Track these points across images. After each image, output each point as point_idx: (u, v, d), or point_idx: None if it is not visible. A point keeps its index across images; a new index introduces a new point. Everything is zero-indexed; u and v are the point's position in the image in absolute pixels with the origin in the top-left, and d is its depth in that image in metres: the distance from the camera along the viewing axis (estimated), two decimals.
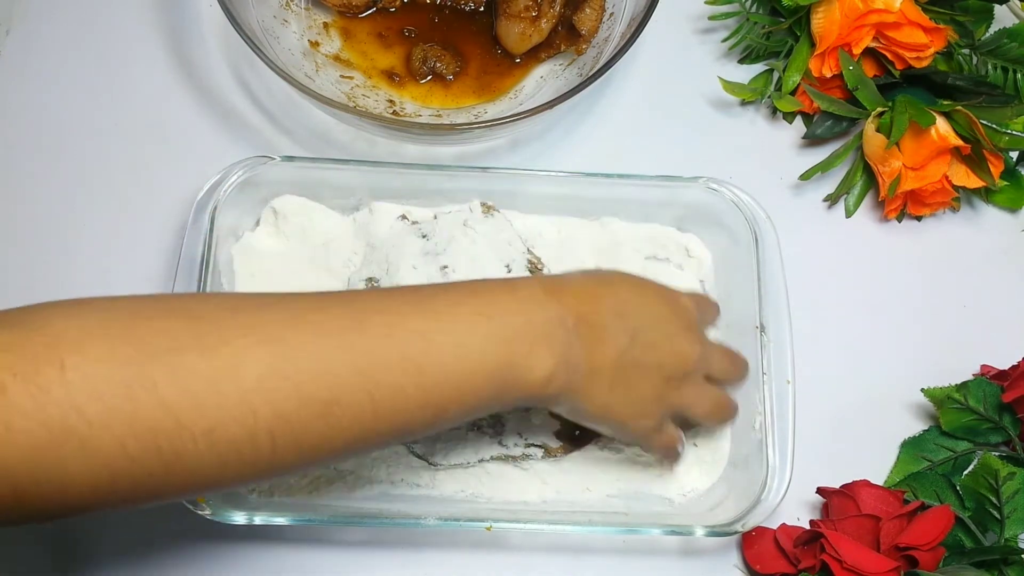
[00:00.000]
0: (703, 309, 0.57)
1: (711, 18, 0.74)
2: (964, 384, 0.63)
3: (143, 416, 0.37)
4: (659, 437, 0.54)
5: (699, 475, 0.61)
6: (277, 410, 0.39)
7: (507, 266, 0.62)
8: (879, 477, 0.63)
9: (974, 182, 0.68)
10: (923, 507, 0.58)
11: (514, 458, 0.60)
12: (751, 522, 0.56)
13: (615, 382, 0.49)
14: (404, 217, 0.64)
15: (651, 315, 0.51)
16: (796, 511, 0.62)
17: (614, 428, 0.53)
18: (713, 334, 0.64)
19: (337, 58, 0.72)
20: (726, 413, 0.57)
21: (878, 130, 0.68)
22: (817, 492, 0.61)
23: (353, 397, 0.41)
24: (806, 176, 0.70)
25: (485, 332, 0.45)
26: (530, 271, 0.63)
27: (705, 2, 0.74)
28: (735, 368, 0.57)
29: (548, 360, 0.46)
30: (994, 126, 0.69)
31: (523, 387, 0.46)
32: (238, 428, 0.38)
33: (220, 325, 0.40)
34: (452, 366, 0.44)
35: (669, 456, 0.58)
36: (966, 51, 0.72)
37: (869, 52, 0.70)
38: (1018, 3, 0.74)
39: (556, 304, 0.47)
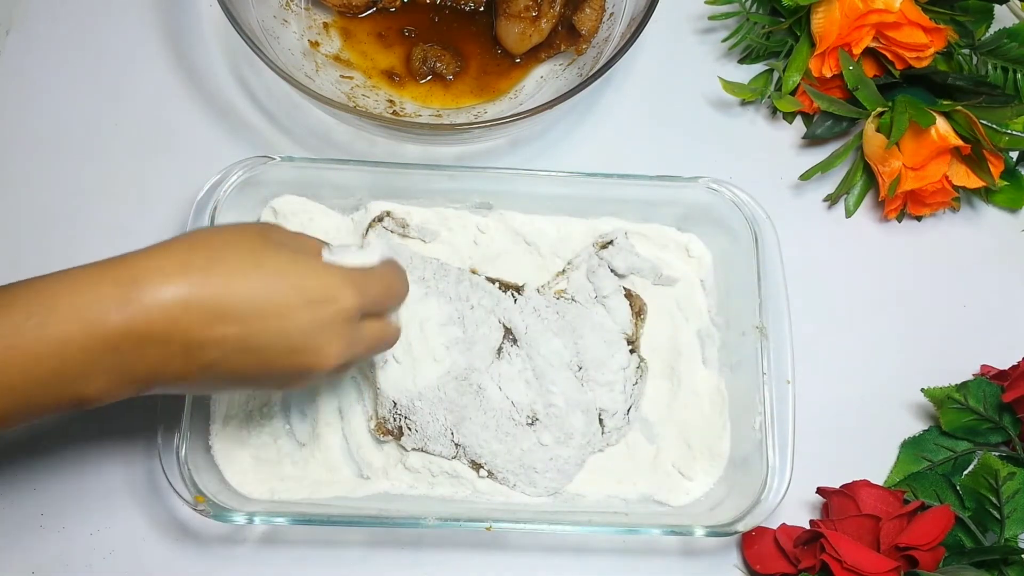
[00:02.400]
0: (377, 294, 0.48)
1: (711, 18, 0.75)
2: (964, 384, 0.63)
3: None
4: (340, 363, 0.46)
5: (699, 475, 0.61)
6: None
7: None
8: (879, 477, 0.63)
9: (974, 182, 0.68)
10: (923, 507, 0.58)
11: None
12: (751, 522, 0.56)
13: (211, 386, 0.45)
14: (388, 214, 0.64)
15: (266, 324, 0.43)
16: (796, 511, 0.62)
17: (289, 381, 0.46)
18: (715, 334, 0.65)
19: (337, 58, 0.72)
20: (390, 341, 0.51)
21: (878, 130, 0.68)
22: (817, 492, 0.61)
23: None
24: (806, 176, 0.70)
25: (34, 330, 0.40)
26: None
27: (705, 2, 0.75)
28: (382, 348, 0.51)
29: (99, 384, 0.42)
30: (994, 126, 0.69)
31: (77, 405, 0.43)
32: None
33: None
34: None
35: (377, 350, 0.50)
36: (966, 51, 0.72)
37: (869, 52, 0.70)
38: (1018, 3, 0.74)
39: (114, 317, 0.41)
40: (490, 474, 0.59)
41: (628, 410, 0.61)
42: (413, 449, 0.59)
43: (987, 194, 0.72)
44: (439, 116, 0.71)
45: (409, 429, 0.59)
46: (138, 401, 0.61)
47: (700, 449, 0.62)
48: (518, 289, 0.64)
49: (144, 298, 0.42)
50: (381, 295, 0.48)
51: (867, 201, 0.72)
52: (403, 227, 0.64)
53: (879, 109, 0.69)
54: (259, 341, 0.43)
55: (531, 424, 0.59)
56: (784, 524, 0.60)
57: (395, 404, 0.59)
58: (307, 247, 0.47)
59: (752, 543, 0.60)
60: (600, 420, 0.61)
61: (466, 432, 0.58)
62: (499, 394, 0.59)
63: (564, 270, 0.65)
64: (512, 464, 0.59)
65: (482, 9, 0.74)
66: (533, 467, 0.59)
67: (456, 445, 0.59)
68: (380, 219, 0.64)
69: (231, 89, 0.73)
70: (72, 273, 0.43)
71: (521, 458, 0.59)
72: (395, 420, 0.59)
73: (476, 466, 0.59)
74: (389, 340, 0.51)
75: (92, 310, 0.41)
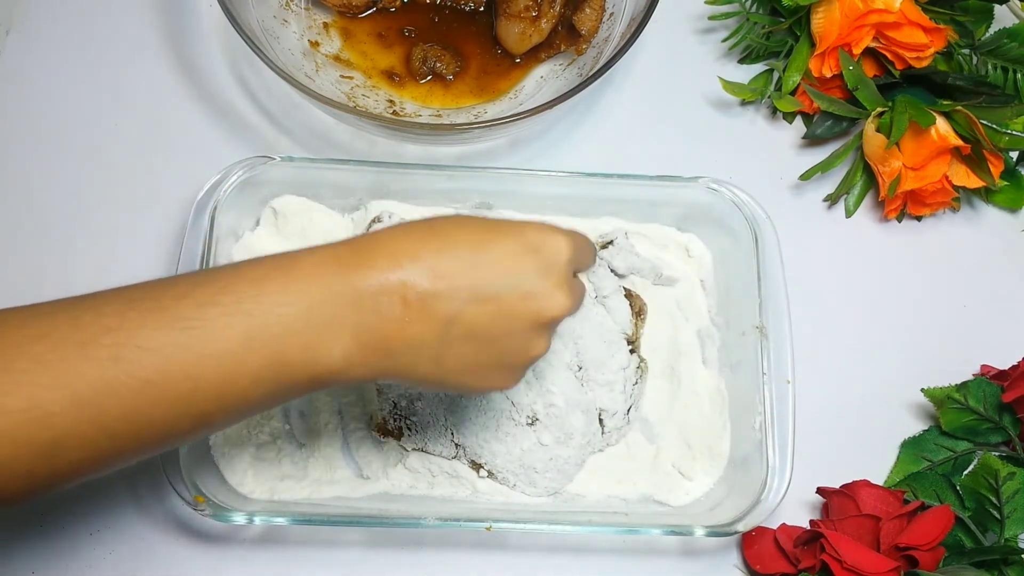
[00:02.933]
0: (580, 249, 0.48)
1: (711, 18, 0.75)
2: (964, 384, 0.63)
3: None
4: (514, 380, 0.48)
5: (699, 475, 0.61)
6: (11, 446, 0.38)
7: None
8: (879, 477, 0.63)
9: (974, 182, 0.68)
10: (923, 507, 0.58)
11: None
12: (751, 522, 0.56)
13: (443, 355, 0.44)
14: (390, 215, 0.64)
15: (498, 272, 0.44)
16: (796, 511, 0.62)
17: (461, 392, 0.48)
18: (715, 334, 0.65)
19: (337, 58, 0.72)
20: (582, 301, 0.50)
21: (878, 130, 0.68)
22: (817, 492, 0.61)
23: (79, 429, 0.39)
24: (806, 176, 0.70)
25: (243, 333, 0.41)
26: None
27: (705, 2, 0.75)
28: (587, 249, 0.50)
29: (337, 348, 0.42)
30: (994, 126, 0.69)
31: (314, 378, 0.42)
32: None
33: None
34: (202, 376, 0.40)
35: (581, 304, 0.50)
36: (966, 51, 0.72)
37: (869, 52, 0.70)
38: (1018, 3, 0.74)
39: (350, 278, 0.42)
40: (490, 474, 0.59)
41: (628, 410, 0.61)
42: (413, 449, 0.59)
43: (987, 194, 0.72)
44: (439, 116, 0.71)
45: (409, 429, 0.59)
46: None
47: (700, 449, 0.62)
48: None
49: (378, 262, 0.43)
50: (583, 251, 0.49)
51: (867, 201, 0.72)
52: None
53: (879, 109, 0.69)
54: (492, 288, 0.44)
55: (531, 424, 0.59)
56: (784, 524, 0.60)
57: (395, 405, 0.59)
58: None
59: (752, 543, 0.60)
60: (600, 420, 0.61)
61: (466, 432, 0.58)
62: (499, 394, 0.59)
63: None
64: (512, 464, 0.59)
65: (482, 9, 0.74)
66: (533, 467, 0.59)
67: (456, 445, 0.59)
68: (379, 219, 0.64)
69: (231, 89, 0.73)
70: (297, 253, 0.44)
71: (521, 458, 0.59)
72: (395, 421, 0.59)
73: (476, 466, 0.59)
74: (583, 298, 0.50)
75: (330, 276, 0.42)
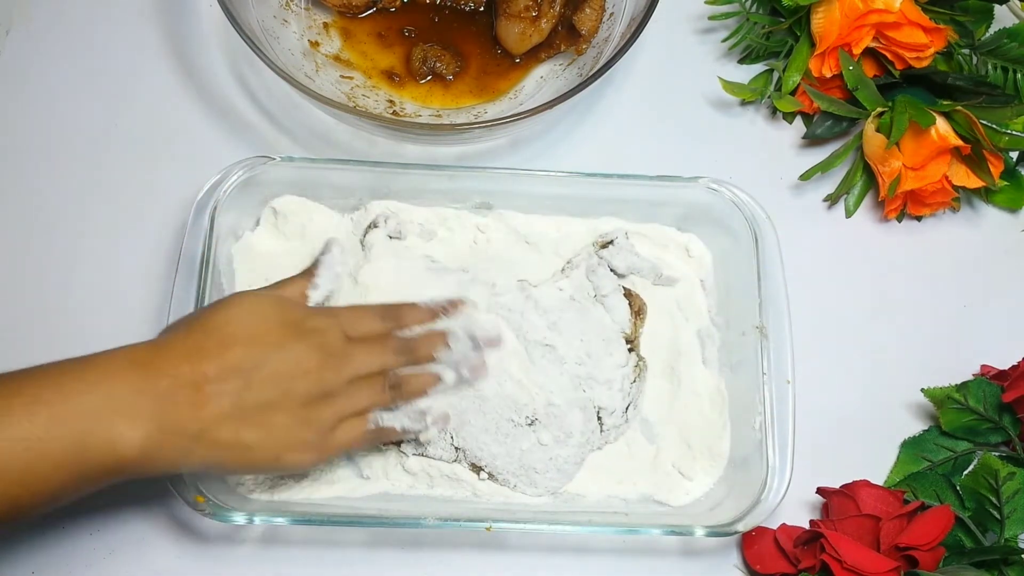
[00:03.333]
0: (354, 316, 0.54)
1: (711, 18, 0.75)
2: (964, 384, 0.63)
3: None
4: (334, 446, 0.53)
5: (699, 475, 0.61)
6: None
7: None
8: (879, 477, 0.63)
9: (974, 182, 0.68)
10: (923, 507, 0.58)
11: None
12: (751, 522, 0.56)
13: (241, 429, 0.49)
14: (385, 220, 0.64)
15: (266, 351, 0.50)
16: (796, 511, 0.62)
17: (273, 471, 0.53)
18: (715, 334, 0.65)
19: (337, 58, 0.72)
20: (393, 396, 0.55)
21: (878, 130, 0.68)
22: (817, 492, 0.61)
23: None
24: (806, 176, 0.70)
25: (46, 419, 0.44)
26: None
27: (705, 2, 0.75)
28: (388, 358, 0.54)
29: (135, 435, 0.46)
30: (994, 126, 0.69)
31: (113, 466, 0.46)
32: None
33: None
34: (7, 461, 0.43)
35: (379, 440, 0.57)
36: (966, 51, 0.72)
37: (869, 52, 0.70)
38: (1018, 3, 0.74)
39: (142, 373, 0.47)
40: (491, 476, 0.59)
41: (627, 408, 0.61)
42: (414, 454, 0.59)
43: (987, 194, 0.72)
44: (439, 116, 0.71)
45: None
46: None
47: (700, 449, 0.62)
48: (520, 288, 0.64)
49: (172, 359, 0.48)
50: (353, 325, 0.54)
51: (867, 201, 0.72)
52: (399, 232, 0.64)
53: (879, 109, 0.69)
54: (266, 359, 0.50)
55: (530, 424, 0.59)
56: (784, 524, 0.60)
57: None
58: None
59: (752, 543, 0.60)
60: (599, 418, 0.61)
61: (466, 435, 0.58)
62: (498, 395, 0.59)
63: (563, 269, 0.65)
64: (512, 465, 0.59)
65: (482, 9, 0.74)
66: (533, 467, 0.59)
67: (456, 449, 0.59)
68: (375, 224, 0.64)
69: (231, 89, 0.73)
70: (95, 355, 0.48)
71: (521, 459, 0.59)
72: None
73: (476, 468, 0.59)
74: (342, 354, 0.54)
75: (125, 371, 0.47)
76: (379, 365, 0.54)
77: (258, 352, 0.49)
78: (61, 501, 0.47)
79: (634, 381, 0.62)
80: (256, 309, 0.51)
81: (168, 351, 0.49)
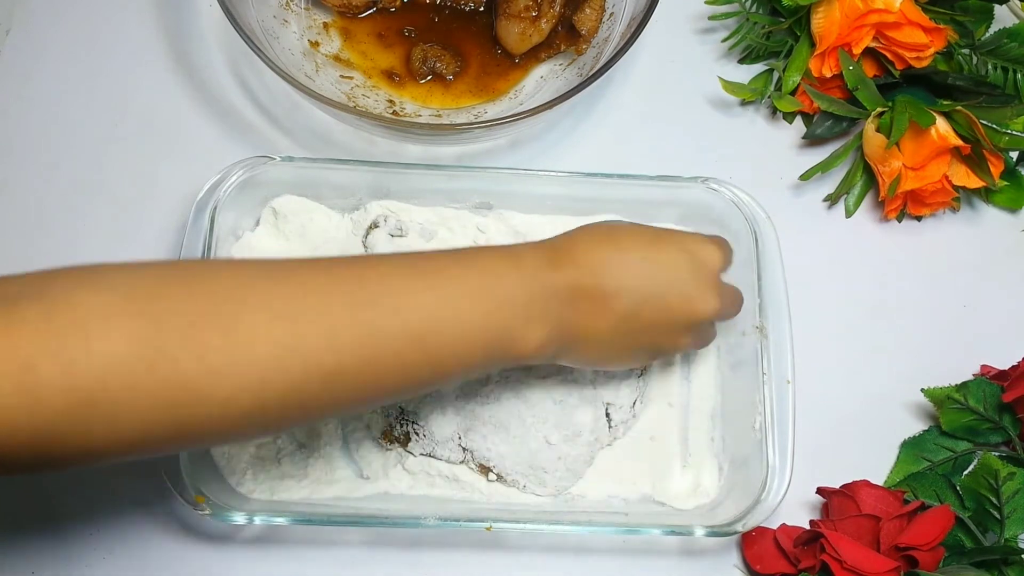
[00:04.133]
0: (724, 253, 0.56)
1: (711, 18, 0.74)
2: (964, 384, 0.63)
3: (165, 391, 0.39)
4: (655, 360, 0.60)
5: (699, 475, 0.61)
6: (287, 381, 0.42)
7: None
8: (879, 477, 0.63)
9: (974, 182, 0.68)
10: (923, 507, 0.58)
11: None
12: (751, 522, 0.56)
13: (612, 344, 0.52)
14: (385, 219, 0.64)
15: (665, 277, 0.52)
16: (796, 511, 0.62)
17: (612, 368, 0.57)
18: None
19: (337, 58, 0.72)
20: (709, 343, 0.59)
21: (878, 130, 0.68)
22: (817, 492, 0.61)
23: (358, 367, 0.44)
24: (806, 176, 0.70)
25: (485, 306, 0.47)
26: None
27: (705, 2, 0.74)
28: (735, 310, 0.58)
29: (540, 332, 0.48)
30: (994, 126, 0.68)
31: (514, 355, 0.49)
32: (251, 398, 0.41)
33: (236, 301, 0.41)
34: (452, 336, 0.46)
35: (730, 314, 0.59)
36: (966, 51, 0.72)
37: (869, 52, 0.70)
38: (1018, 3, 0.74)
39: (557, 275, 0.49)
40: (499, 477, 0.59)
41: (634, 403, 0.61)
42: (421, 455, 0.59)
43: (987, 194, 0.72)
44: (439, 116, 0.71)
45: (416, 435, 0.59)
46: None
47: (700, 449, 0.62)
48: None
49: (577, 263, 0.50)
50: (728, 256, 0.57)
51: (867, 201, 0.72)
52: (400, 230, 0.64)
53: (879, 109, 0.69)
54: (660, 289, 0.52)
55: (541, 423, 0.59)
56: (784, 524, 0.60)
57: (402, 411, 0.59)
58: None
59: (752, 543, 0.60)
60: (607, 414, 0.61)
61: (474, 436, 0.58)
62: (507, 394, 0.59)
63: None
64: (521, 466, 0.59)
65: (482, 9, 0.74)
66: (543, 467, 0.59)
67: (464, 449, 0.59)
68: (376, 225, 0.64)
69: (231, 89, 0.73)
70: (517, 248, 0.51)
71: (530, 460, 0.58)
72: (402, 427, 0.59)
73: (485, 470, 0.59)
74: (736, 301, 0.58)
75: (544, 271, 0.49)
76: (729, 312, 0.57)
77: (660, 279, 0.52)
78: (468, 377, 0.53)
79: (640, 374, 0.62)
80: (659, 238, 0.54)
81: (577, 255, 0.51)
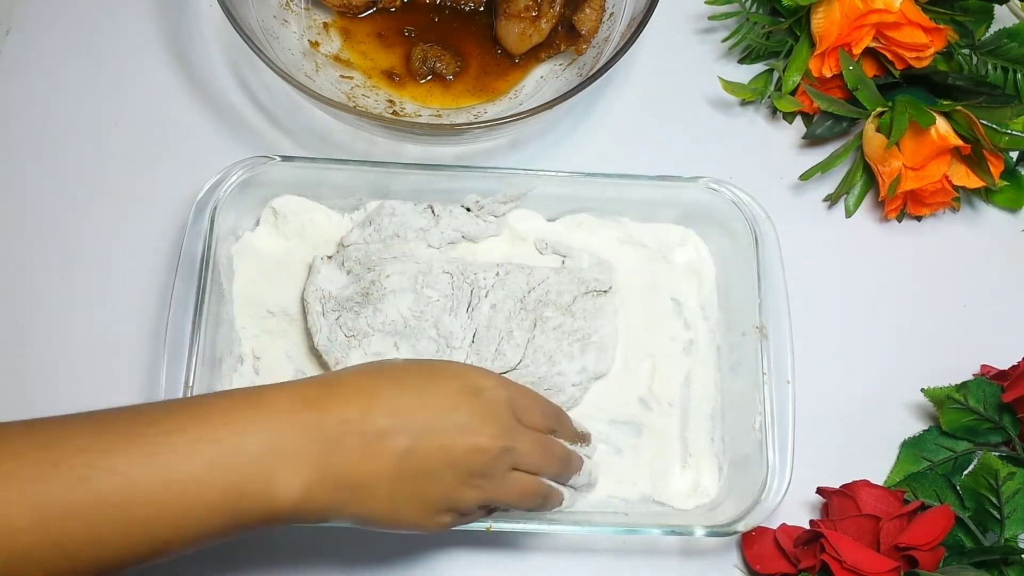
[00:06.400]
0: (519, 397, 0.51)
1: (711, 18, 0.74)
2: (964, 384, 0.63)
3: None
4: (464, 519, 0.50)
5: (699, 475, 0.61)
6: None
7: None
8: (879, 477, 0.63)
9: (974, 182, 0.68)
10: (923, 507, 0.58)
11: None
12: (751, 522, 0.56)
13: (396, 491, 0.46)
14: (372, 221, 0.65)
15: (439, 412, 0.47)
16: (796, 511, 0.62)
17: (408, 530, 0.49)
18: (715, 335, 0.65)
19: (337, 58, 0.72)
20: (534, 502, 0.51)
21: (878, 130, 0.68)
22: (817, 492, 0.61)
23: (41, 553, 0.40)
24: (806, 176, 0.70)
25: (207, 460, 0.42)
26: None
27: (705, 2, 0.74)
28: (548, 462, 0.51)
29: (295, 482, 0.43)
30: (994, 126, 0.69)
31: (267, 514, 0.43)
32: None
33: None
34: (163, 501, 0.41)
35: (521, 500, 0.51)
36: (966, 51, 0.72)
37: (869, 52, 0.70)
38: (1018, 3, 0.74)
39: (314, 415, 0.44)
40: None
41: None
42: None
43: (987, 194, 0.72)
44: (439, 116, 0.71)
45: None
46: (141, 400, 0.61)
47: (700, 449, 0.62)
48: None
49: (341, 399, 0.46)
50: (525, 401, 0.51)
51: (867, 201, 0.72)
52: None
53: (879, 109, 0.69)
54: (438, 423, 0.47)
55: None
56: (784, 524, 0.60)
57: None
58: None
59: (752, 543, 0.60)
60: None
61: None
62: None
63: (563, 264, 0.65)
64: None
65: (482, 9, 0.74)
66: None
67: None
68: (372, 221, 0.64)
69: (231, 89, 0.73)
70: (265, 388, 0.46)
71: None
72: None
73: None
74: (557, 462, 0.52)
75: (296, 411, 0.44)
76: (537, 467, 0.50)
77: (432, 412, 0.47)
78: (204, 545, 0.44)
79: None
80: (435, 371, 0.49)
81: (340, 391, 0.46)
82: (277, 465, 0.43)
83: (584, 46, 0.72)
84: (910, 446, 0.64)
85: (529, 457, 0.50)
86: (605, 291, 0.64)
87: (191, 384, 0.56)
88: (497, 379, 0.50)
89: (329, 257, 0.63)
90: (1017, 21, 0.73)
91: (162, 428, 0.42)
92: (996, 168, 0.68)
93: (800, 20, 0.71)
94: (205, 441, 0.42)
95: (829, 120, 0.72)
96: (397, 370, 0.49)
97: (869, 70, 0.71)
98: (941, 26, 0.68)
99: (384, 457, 0.45)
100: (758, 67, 0.76)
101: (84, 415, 0.43)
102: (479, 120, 0.70)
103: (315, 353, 0.61)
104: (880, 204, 0.71)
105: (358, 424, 0.45)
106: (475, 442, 0.47)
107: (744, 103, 0.75)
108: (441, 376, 0.49)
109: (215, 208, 0.61)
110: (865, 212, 0.72)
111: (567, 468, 0.53)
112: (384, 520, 0.47)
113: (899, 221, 0.72)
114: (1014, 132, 0.68)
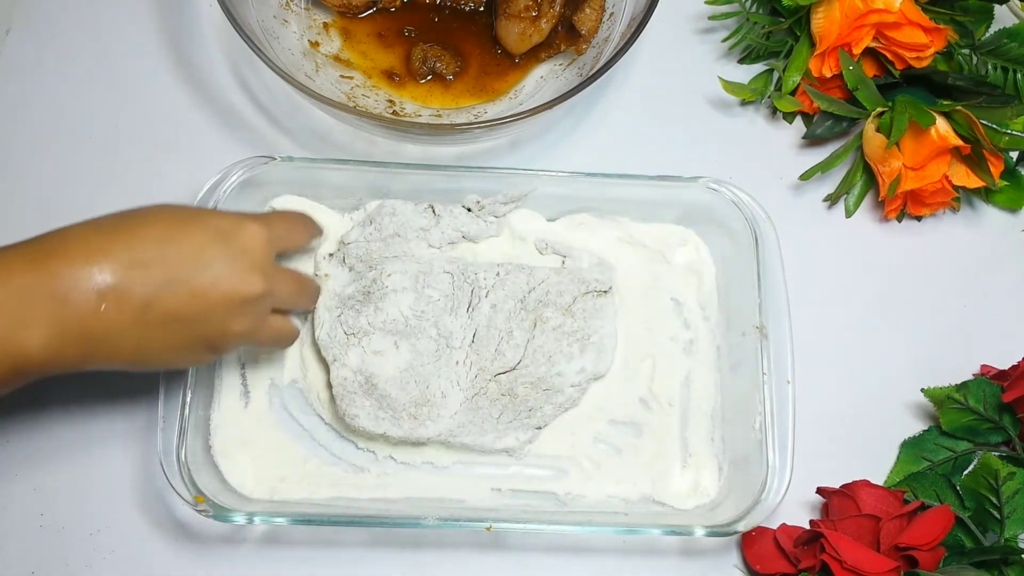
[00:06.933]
0: (283, 232, 0.53)
1: (711, 18, 0.74)
2: (964, 384, 0.63)
3: None
4: (216, 355, 0.53)
5: (699, 475, 0.61)
6: None
7: None
8: (879, 477, 0.63)
9: (974, 182, 0.68)
10: (923, 507, 0.58)
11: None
12: (751, 522, 0.56)
13: (146, 339, 0.48)
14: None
15: (191, 257, 0.48)
16: (796, 511, 0.62)
17: (167, 369, 0.53)
18: (715, 334, 0.65)
19: (337, 58, 0.72)
20: (287, 343, 0.57)
21: (878, 130, 0.68)
22: (817, 492, 0.61)
23: None
24: (806, 176, 0.70)
25: None
26: None
27: (705, 2, 0.74)
28: (303, 296, 0.55)
29: (34, 339, 0.45)
30: (994, 126, 0.69)
31: (17, 369, 0.45)
32: None
33: None
34: None
35: (275, 344, 0.57)
36: (966, 51, 0.72)
37: (869, 52, 0.70)
38: (1018, 3, 0.74)
39: (40, 275, 0.45)
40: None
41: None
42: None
43: (987, 194, 0.72)
44: (439, 116, 0.71)
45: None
46: (140, 400, 0.62)
47: (700, 449, 0.62)
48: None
49: (69, 257, 0.46)
50: (286, 233, 0.54)
51: (867, 201, 0.72)
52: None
53: (879, 109, 0.69)
54: (182, 274, 0.48)
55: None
56: (784, 524, 0.60)
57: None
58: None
59: (752, 543, 0.60)
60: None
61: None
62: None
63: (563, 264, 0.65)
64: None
65: (482, 9, 0.74)
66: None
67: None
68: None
69: (231, 89, 0.73)
70: None
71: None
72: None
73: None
74: (298, 283, 0.55)
75: (19, 274, 0.45)
76: (294, 305, 0.54)
77: (184, 260, 0.48)
78: None
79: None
80: (185, 217, 0.50)
81: (70, 247, 0.47)
82: (8, 326, 0.44)
83: (584, 46, 0.72)
84: (910, 446, 0.64)
85: (288, 299, 0.53)
86: (605, 291, 0.63)
87: (190, 382, 0.56)
88: (250, 221, 0.51)
89: (331, 255, 0.63)
90: (1017, 21, 0.73)
91: None
92: (996, 168, 0.68)
93: (800, 20, 0.71)
94: None
95: (829, 120, 0.72)
96: (136, 221, 0.49)
97: (869, 70, 0.71)
98: (941, 26, 0.68)
99: (121, 310, 0.46)
100: (758, 67, 0.76)
101: None
102: (479, 120, 0.70)
103: (316, 346, 0.61)
104: (880, 204, 0.71)
105: (87, 282, 0.46)
106: (232, 289, 0.49)
107: (744, 103, 0.75)
108: (187, 224, 0.49)
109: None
110: (865, 212, 0.72)
111: (315, 301, 0.57)
112: (138, 363, 0.49)
113: (899, 221, 0.72)
114: (1014, 132, 0.68)
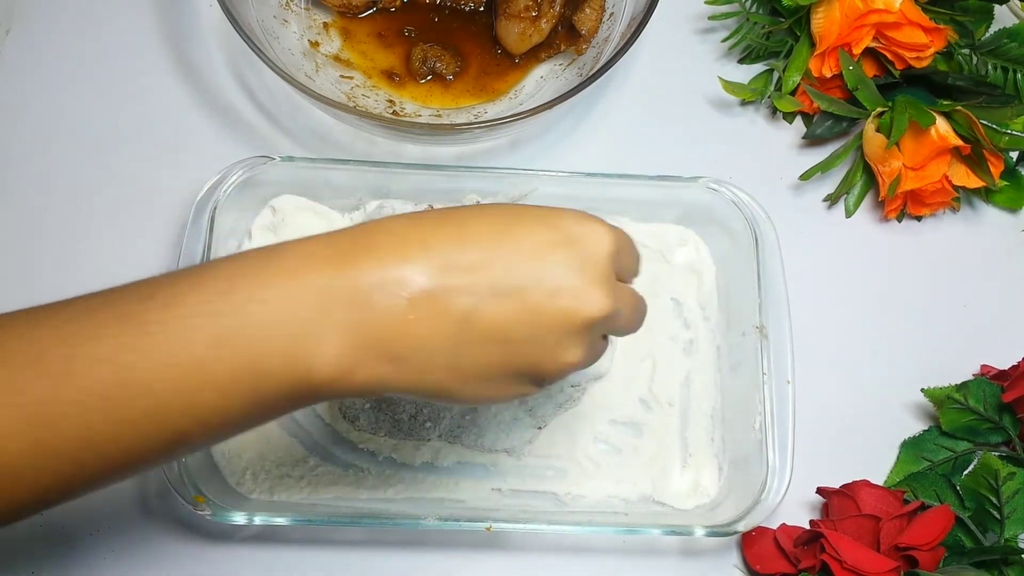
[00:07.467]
0: (627, 243, 0.42)
1: (711, 18, 0.74)
2: (964, 384, 0.63)
3: None
4: (537, 390, 0.41)
5: (699, 475, 0.61)
6: None
7: None
8: (879, 477, 0.63)
9: (974, 182, 0.68)
10: (923, 507, 0.58)
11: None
12: (751, 522, 0.56)
13: (457, 360, 0.37)
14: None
15: (527, 261, 0.38)
16: (796, 511, 0.62)
17: (478, 404, 0.42)
18: (715, 335, 0.65)
19: (337, 58, 0.72)
20: (594, 365, 0.43)
21: (878, 130, 0.68)
22: (817, 492, 0.61)
23: (35, 460, 0.35)
24: (806, 176, 0.70)
25: (210, 336, 0.35)
26: None
27: (705, 2, 0.74)
28: (638, 322, 0.43)
29: (327, 351, 0.36)
30: (994, 126, 0.69)
31: (300, 389, 0.37)
32: None
33: None
34: (162, 391, 0.35)
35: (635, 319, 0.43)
36: (966, 51, 0.72)
37: (869, 52, 0.70)
38: (1018, 3, 0.74)
39: (344, 271, 0.36)
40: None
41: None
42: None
43: (987, 194, 0.72)
44: (439, 116, 0.71)
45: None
46: None
47: (700, 449, 0.62)
48: None
49: (380, 252, 0.37)
50: (627, 250, 0.42)
51: (867, 201, 0.72)
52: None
53: (879, 109, 0.69)
54: (515, 282, 0.37)
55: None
56: (784, 524, 0.60)
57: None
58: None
59: (752, 543, 0.60)
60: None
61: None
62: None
63: None
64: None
65: (482, 9, 0.74)
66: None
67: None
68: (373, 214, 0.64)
69: (231, 89, 0.73)
70: (285, 244, 0.38)
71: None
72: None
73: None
74: (636, 309, 0.43)
75: (318, 269, 0.36)
76: (626, 331, 0.42)
77: (507, 267, 0.37)
78: (240, 430, 0.38)
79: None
80: (518, 214, 0.39)
81: (376, 243, 0.37)
82: (298, 335, 0.36)
83: (584, 46, 0.72)
84: (910, 446, 0.64)
85: (626, 325, 0.41)
86: None
87: None
88: (599, 224, 0.40)
89: None
90: (1017, 21, 0.73)
91: (157, 303, 0.36)
92: (996, 168, 0.68)
93: (800, 20, 0.71)
94: (204, 315, 0.35)
95: (829, 120, 0.72)
96: (464, 216, 0.39)
97: (869, 70, 0.71)
98: (941, 26, 0.68)
99: (435, 321, 0.37)
100: (758, 67, 0.76)
101: (80, 298, 0.37)
102: (479, 120, 0.70)
103: None
104: (880, 204, 0.71)
105: (400, 282, 0.36)
106: (575, 307, 0.38)
107: (744, 103, 0.75)
108: (523, 221, 0.39)
109: (215, 208, 0.61)
110: (865, 212, 0.72)
111: (640, 325, 0.44)
112: (443, 394, 0.39)
113: (899, 221, 0.72)
114: (1014, 132, 0.68)
